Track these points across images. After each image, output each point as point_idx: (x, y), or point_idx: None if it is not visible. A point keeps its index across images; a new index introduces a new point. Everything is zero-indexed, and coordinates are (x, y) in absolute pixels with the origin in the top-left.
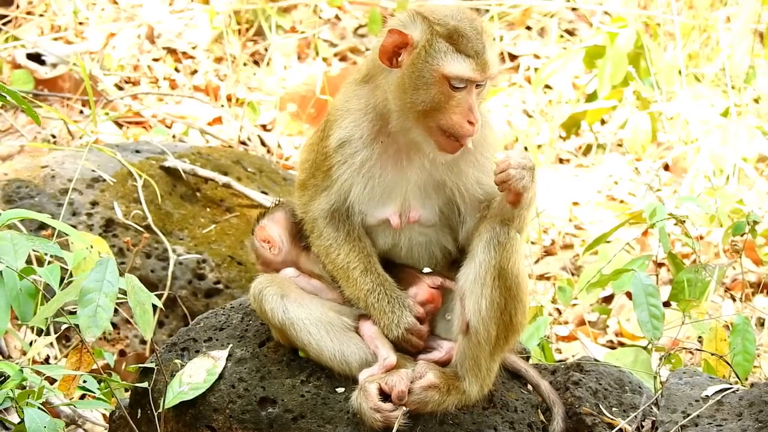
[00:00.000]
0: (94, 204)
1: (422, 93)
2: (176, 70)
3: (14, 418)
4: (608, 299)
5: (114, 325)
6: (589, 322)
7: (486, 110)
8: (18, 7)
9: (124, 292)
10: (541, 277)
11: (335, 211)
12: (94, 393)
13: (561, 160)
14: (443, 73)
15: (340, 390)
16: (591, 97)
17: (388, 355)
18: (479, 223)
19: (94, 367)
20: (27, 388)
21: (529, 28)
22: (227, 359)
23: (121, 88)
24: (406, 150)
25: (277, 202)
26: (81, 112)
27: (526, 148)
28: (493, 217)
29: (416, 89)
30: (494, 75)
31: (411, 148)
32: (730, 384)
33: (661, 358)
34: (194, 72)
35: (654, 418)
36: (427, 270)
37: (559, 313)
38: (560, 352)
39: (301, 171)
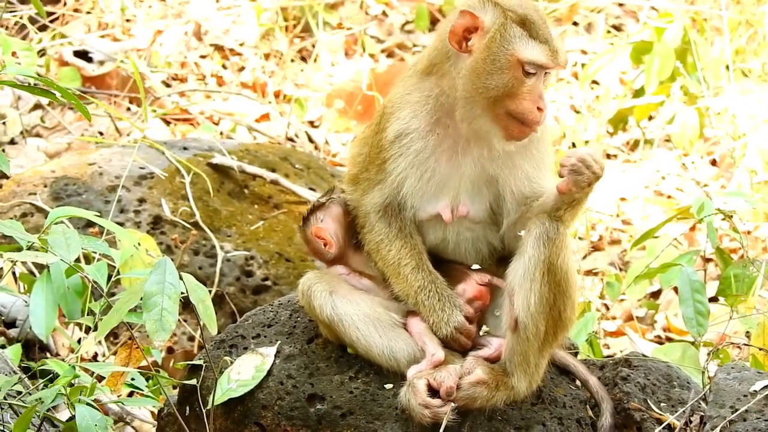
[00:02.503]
0: (141, 201)
1: (496, 78)
2: (223, 66)
3: (64, 415)
4: (656, 295)
5: None
6: (637, 317)
7: None
8: (65, 4)
9: None
10: (588, 273)
11: (388, 205)
12: (142, 390)
13: (608, 156)
14: (519, 57)
15: (389, 386)
16: (638, 93)
17: (436, 351)
18: (522, 218)
19: (143, 364)
20: (76, 385)
21: (576, 23)
22: (276, 356)
23: (168, 86)
24: (463, 142)
25: (333, 195)
26: (128, 109)
27: (573, 144)
28: (540, 213)
29: (490, 74)
30: (565, 63)
31: (469, 140)
32: None
33: (709, 354)
34: (241, 69)
35: (702, 414)
36: (476, 267)
37: (607, 308)
38: (608, 348)
39: (353, 165)
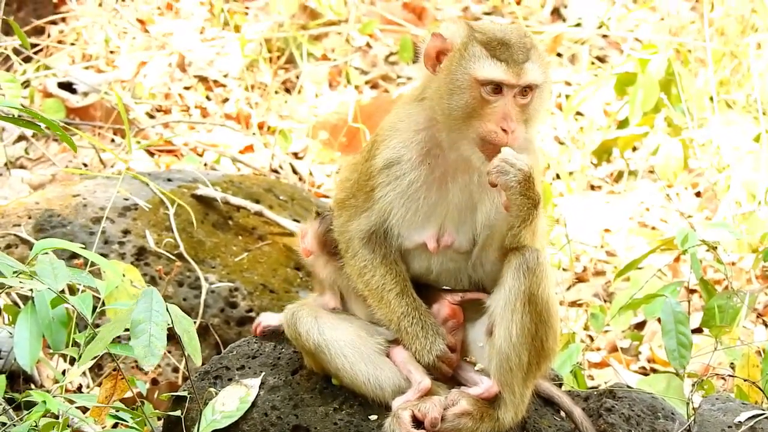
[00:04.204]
0: (126, 232)
1: (456, 98)
2: (207, 98)
3: None
4: (640, 326)
5: None
6: (622, 348)
7: (533, 134)
8: (49, 36)
9: None
10: (573, 304)
11: (373, 233)
12: (127, 422)
13: (593, 187)
14: (474, 76)
15: (373, 417)
16: (622, 124)
17: (423, 379)
18: (485, 244)
19: (127, 395)
20: (59, 417)
21: (560, 55)
22: (260, 387)
23: (152, 117)
24: (452, 172)
25: (324, 213)
26: (112, 140)
27: (558, 176)
28: (498, 235)
29: (451, 94)
30: (533, 82)
31: (457, 168)
32: (763, 410)
33: (693, 385)
34: (225, 100)
35: None
36: (446, 287)
37: (592, 339)
38: (593, 379)
39: (341, 190)
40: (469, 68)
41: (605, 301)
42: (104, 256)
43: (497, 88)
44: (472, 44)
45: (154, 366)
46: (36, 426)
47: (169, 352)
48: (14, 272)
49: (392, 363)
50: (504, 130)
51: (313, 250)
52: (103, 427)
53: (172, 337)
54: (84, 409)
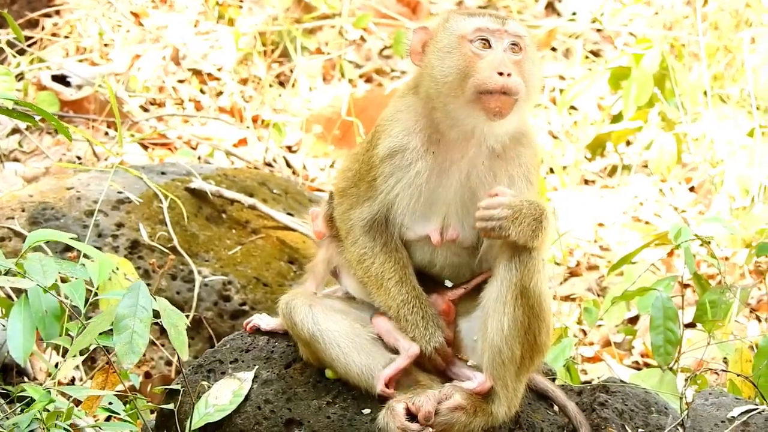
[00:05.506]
0: (119, 226)
1: (447, 62)
2: (201, 91)
3: None
4: (633, 320)
5: None
6: (615, 343)
7: (531, 128)
8: (43, 28)
9: (153, 314)
10: (566, 298)
11: (375, 221)
12: (119, 414)
13: (586, 182)
14: (460, 34)
15: (366, 411)
16: (616, 118)
17: (410, 346)
18: (492, 245)
19: (120, 388)
20: (54, 409)
21: (554, 49)
22: (253, 381)
23: (146, 110)
24: (450, 158)
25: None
26: (106, 134)
27: (551, 170)
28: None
29: (442, 61)
30: (518, 32)
31: (456, 152)
32: (756, 405)
33: (686, 379)
34: (219, 93)
35: None
36: (448, 284)
37: (585, 334)
38: (586, 373)
39: (342, 179)
40: (454, 30)
41: (598, 295)
42: (98, 249)
43: (485, 41)
44: (452, 16)
45: (133, 364)
46: (38, 417)
47: (162, 345)
48: (4, 271)
49: (385, 351)
50: (500, 74)
51: (325, 232)
52: (95, 420)
53: (165, 330)
54: (77, 402)
